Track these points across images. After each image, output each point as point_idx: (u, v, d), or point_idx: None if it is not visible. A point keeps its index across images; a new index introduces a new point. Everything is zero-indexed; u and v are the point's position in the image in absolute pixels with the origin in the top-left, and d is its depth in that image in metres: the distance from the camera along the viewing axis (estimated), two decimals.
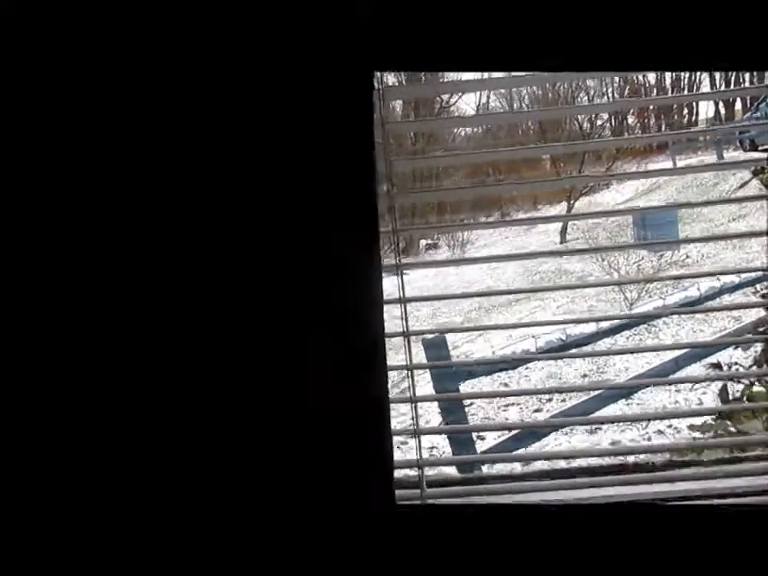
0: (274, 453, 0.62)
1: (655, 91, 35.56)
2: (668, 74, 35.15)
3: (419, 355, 6.48)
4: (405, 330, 0.86)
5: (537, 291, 11.25)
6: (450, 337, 8.62)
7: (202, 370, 0.57)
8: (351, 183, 0.59)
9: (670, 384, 4.34)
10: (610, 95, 34.97)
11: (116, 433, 0.58)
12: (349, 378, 0.63)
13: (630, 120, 35.86)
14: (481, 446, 4.33)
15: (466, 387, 5.04)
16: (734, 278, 4.04)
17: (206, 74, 0.54)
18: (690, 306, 4.03)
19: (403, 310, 0.83)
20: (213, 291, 0.56)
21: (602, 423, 4.14)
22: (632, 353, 4.18)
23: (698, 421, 4.25)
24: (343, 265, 0.61)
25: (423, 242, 22.83)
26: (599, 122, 26.58)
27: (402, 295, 0.83)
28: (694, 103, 36.90)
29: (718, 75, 36.33)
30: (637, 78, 34.88)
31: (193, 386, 0.57)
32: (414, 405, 0.88)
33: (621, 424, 4.20)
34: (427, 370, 3.38)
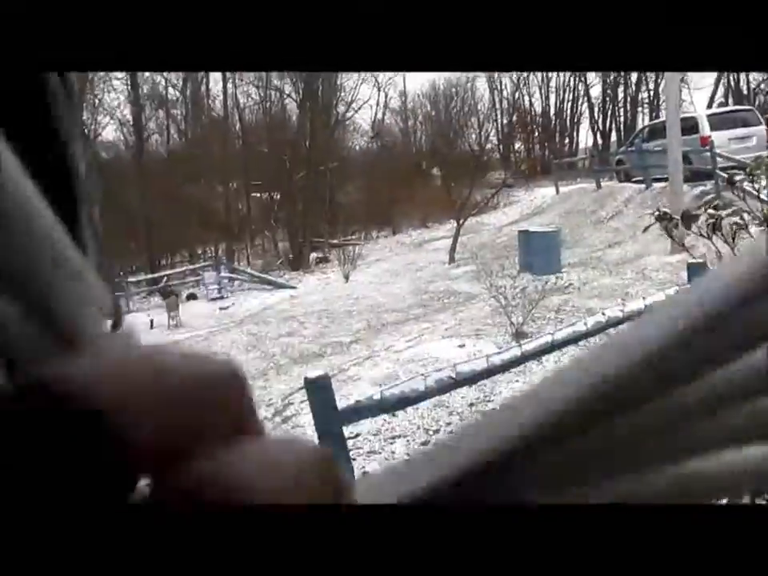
0: None
1: (540, 119, 37.48)
2: (552, 103, 37.09)
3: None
4: None
5: None
6: (335, 359, 8.34)
7: None
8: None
9: None
10: (500, 118, 36.55)
11: None
12: None
13: (517, 146, 37.78)
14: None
15: (351, 428, 4.80)
16: (618, 313, 4.07)
17: None
18: (579, 339, 4.01)
19: None
20: None
21: None
22: None
23: None
24: None
25: (314, 256, 22.58)
26: (489, 146, 27.69)
27: None
28: (575, 133, 39.30)
29: (596, 107, 38.62)
30: (523, 104, 36.67)
31: None
32: None
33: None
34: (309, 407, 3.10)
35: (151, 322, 15.57)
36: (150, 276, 20.65)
